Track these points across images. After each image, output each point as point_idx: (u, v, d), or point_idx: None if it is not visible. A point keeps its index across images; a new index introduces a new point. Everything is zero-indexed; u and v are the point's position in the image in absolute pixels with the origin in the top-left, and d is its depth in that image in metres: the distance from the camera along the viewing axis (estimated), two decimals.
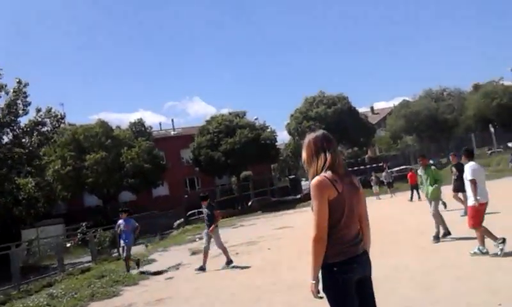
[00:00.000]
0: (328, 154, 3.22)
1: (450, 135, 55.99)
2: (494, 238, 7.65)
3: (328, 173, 3.15)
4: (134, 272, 12.95)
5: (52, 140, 34.16)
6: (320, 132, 3.41)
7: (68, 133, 40.31)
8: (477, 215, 7.74)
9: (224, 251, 11.82)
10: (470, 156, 8.26)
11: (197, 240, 21.31)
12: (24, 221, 28.53)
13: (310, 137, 3.35)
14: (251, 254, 13.40)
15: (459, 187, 12.88)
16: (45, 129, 32.09)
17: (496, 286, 6.01)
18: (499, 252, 7.51)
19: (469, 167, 7.90)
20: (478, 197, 7.66)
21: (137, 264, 13.38)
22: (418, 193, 21.77)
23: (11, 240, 19.37)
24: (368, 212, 3.36)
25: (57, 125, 33.84)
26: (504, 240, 7.55)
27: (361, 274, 3.20)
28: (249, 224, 26.27)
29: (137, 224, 13.66)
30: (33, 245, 24.63)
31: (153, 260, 15.58)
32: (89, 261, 18.45)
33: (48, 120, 32.49)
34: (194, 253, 15.94)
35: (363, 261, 3.22)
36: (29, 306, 10.25)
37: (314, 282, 3.11)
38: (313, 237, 3.06)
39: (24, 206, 28.18)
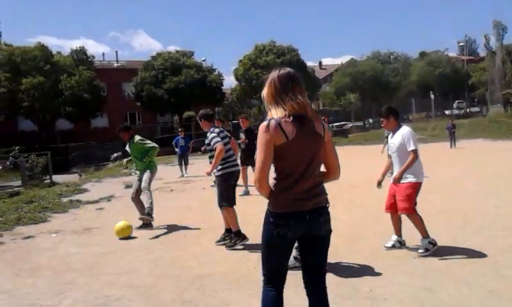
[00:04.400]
0: (291, 97, 2.85)
1: (392, 98, 57.61)
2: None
3: (283, 117, 2.82)
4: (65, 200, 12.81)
5: None
6: (287, 69, 3.01)
7: (4, 54, 38.33)
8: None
9: None
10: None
11: (133, 173, 21.16)
12: None
13: (275, 74, 2.97)
14: (185, 193, 13.58)
15: (248, 160, 11.43)
16: None
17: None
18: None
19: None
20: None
21: None
22: None
23: None
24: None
25: None
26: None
27: (301, 232, 2.89)
28: (189, 164, 26.26)
29: None
30: None
31: (85, 190, 15.41)
32: (19, 186, 18.02)
33: None
34: (128, 186, 15.88)
35: (311, 218, 2.86)
36: None
37: None
38: (254, 179, 2.88)
39: None
